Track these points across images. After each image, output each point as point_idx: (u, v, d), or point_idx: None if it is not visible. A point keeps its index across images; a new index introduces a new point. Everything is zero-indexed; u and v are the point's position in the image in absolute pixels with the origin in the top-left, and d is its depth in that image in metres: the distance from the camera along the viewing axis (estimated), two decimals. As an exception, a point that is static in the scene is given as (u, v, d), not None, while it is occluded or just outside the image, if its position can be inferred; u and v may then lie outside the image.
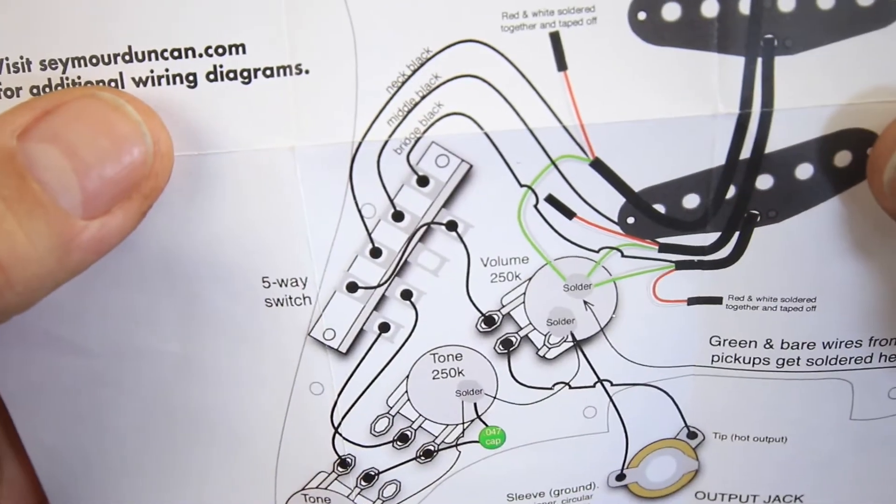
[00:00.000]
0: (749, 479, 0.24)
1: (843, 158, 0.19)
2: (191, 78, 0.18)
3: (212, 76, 0.18)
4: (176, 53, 0.18)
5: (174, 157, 0.18)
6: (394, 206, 0.20)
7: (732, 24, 0.18)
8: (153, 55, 0.18)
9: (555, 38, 0.18)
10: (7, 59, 0.18)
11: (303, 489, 0.23)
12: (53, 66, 0.18)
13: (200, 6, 0.18)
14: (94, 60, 0.18)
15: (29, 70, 0.18)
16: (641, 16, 0.18)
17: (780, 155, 0.19)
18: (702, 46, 0.18)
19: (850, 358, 0.21)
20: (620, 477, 0.24)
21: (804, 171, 0.19)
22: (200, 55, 0.18)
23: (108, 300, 0.20)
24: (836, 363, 0.21)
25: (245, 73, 0.18)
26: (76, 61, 0.18)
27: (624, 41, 0.18)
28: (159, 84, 0.18)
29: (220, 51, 0.18)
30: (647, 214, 0.20)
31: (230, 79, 0.18)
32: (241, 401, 0.22)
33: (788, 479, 0.24)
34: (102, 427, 0.22)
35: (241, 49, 0.18)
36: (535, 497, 0.24)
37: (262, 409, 0.22)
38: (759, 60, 0.18)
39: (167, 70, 0.18)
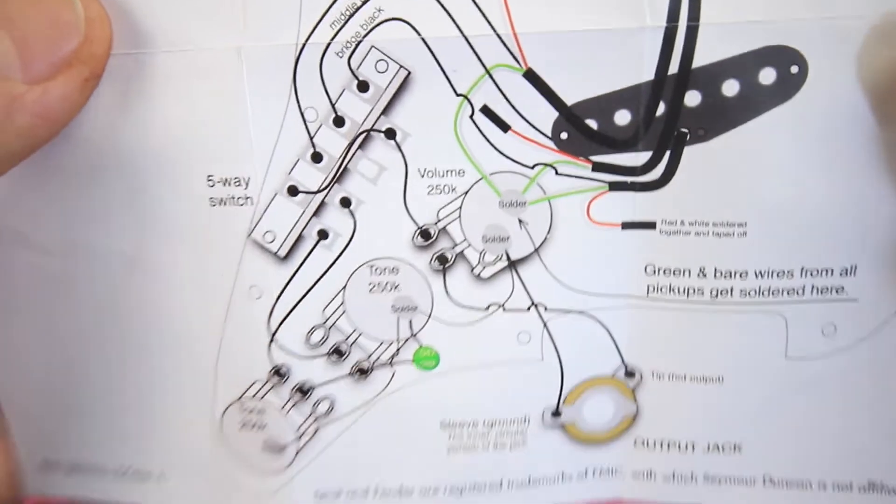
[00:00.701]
0: (687, 423, 0.24)
1: (767, 76, 0.19)
2: None
3: None
4: None
5: (111, 24, 0.19)
6: (335, 111, 0.20)
7: (663, -61, 0.19)
8: None
9: (491, -52, 0.19)
10: None
11: (239, 398, 0.23)
12: None
13: None
14: None
15: None
16: (574, -72, 0.19)
17: (706, 70, 0.19)
18: (633, -40, 0.19)
19: (783, 289, 0.21)
20: (556, 414, 0.24)
21: (730, 87, 0.20)
22: None
23: (65, 198, 0.21)
24: (768, 294, 0.22)
25: None
26: None
27: (558, -48, 0.19)
28: None
29: None
30: (580, 130, 0.20)
31: None
32: (185, 302, 0.22)
33: (727, 425, 0.24)
34: (55, 327, 0.23)
35: None
36: (468, 427, 0.24)
37: (204, 311, 0.22)
38: (688, -25, 0.19)
39: None
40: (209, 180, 0.21)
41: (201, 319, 0.22)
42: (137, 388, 0.23)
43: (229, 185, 0.21)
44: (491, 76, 0.20)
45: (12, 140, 0.17)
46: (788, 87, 0.19)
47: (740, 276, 0.21)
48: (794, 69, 0.19)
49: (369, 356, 0.23)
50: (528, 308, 0.22)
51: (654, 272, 0.22)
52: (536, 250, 0.22)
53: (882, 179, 0.20)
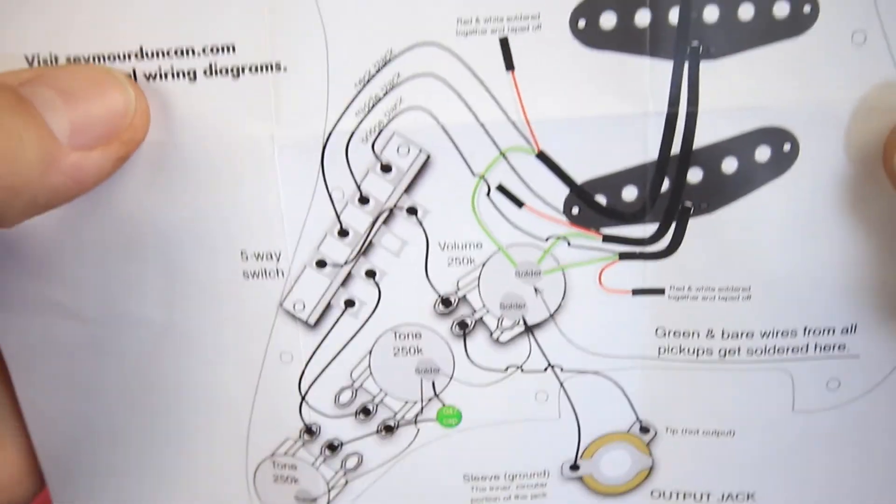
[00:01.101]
0: (702, 475, 0.25)
1: (762, 154, 0.21)
2: (191, 73, 0.21)
3: (208, 72, 0.21)
4: (179, 52, 0.21)
5: (150, 118, 0.21)
6: (360, 191, 0.22)
7: (662, 31, 0.20)
8: (160, 53, 0.21)
9: (503, 42, 0.20)
10: (38, 54, 0.21)
11: (272, 455, 0.25)
12: (77, 61, 0.21)
13: (199, 11, 0.21)
14: (111, 57, 0.21)
15: (56, 63, 0.21)
16: (581, 23, 0.20)
17: (706, 150, 0.21)
18: (635, 51, 0.20)
19: (788, 348, 0.23)
20: (574, 467, 0.25)
21: (729, 164, 0.21)
22: (199, 54, 0.21)
23: (103, 268, 0.23)
24: (774, 353, 0.23)
25: (235, 70, 0.21)
26: (96, 58, 0.21)
27: (565, 45, 0.20)
28: (165, 79, 0.21)
29: (215, 50, 0.21)
30: (590, 205, 0.22)
31: (223, 74, 0.21)
32: (218, 368, 0.24)
33: (739, 475, 0.25)
34: (91, 392, 0.24)
35: (231, 49, 0.21)
36: (490, 479, 0.25)
37: (237, 376, 0.24)
38: (686, 64, 0.20)
39: (172, 66, 0.21)
40: (242, 255, 0.22)
41: (234, 384, 0.24)
42: (171, 449, 0.25)
43: (262, 259, 0.23)
44: (505, 158, 0.21)
45: (41, 194, 0.19)
46: (782, 163, 0.21)
47: (747, 336, 0.23)
48: (787, 147, 0.21)
49: (395, 415, 0.24)
50: (545, 369, 0.24)
51: (665, 334, 0.23)
52: (552, 316, 0.23)
53: (874, 243, 0.21)
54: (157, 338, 0.23)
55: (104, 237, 0.22)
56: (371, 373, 0.24)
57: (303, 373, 0.24)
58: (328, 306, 0.23)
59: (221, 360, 0.24)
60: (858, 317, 0.22)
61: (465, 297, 0.23)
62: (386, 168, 0.22)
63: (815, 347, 0.23)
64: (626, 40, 0.20)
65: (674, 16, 0.20)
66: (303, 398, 0.24)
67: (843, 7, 0.19)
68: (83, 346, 0.24)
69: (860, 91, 0.20)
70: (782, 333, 0.22)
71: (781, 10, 0.20)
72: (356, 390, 0.24)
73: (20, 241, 0.22)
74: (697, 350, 0.23)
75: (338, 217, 0.22)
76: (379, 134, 0.21)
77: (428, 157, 0.22)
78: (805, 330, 0.22)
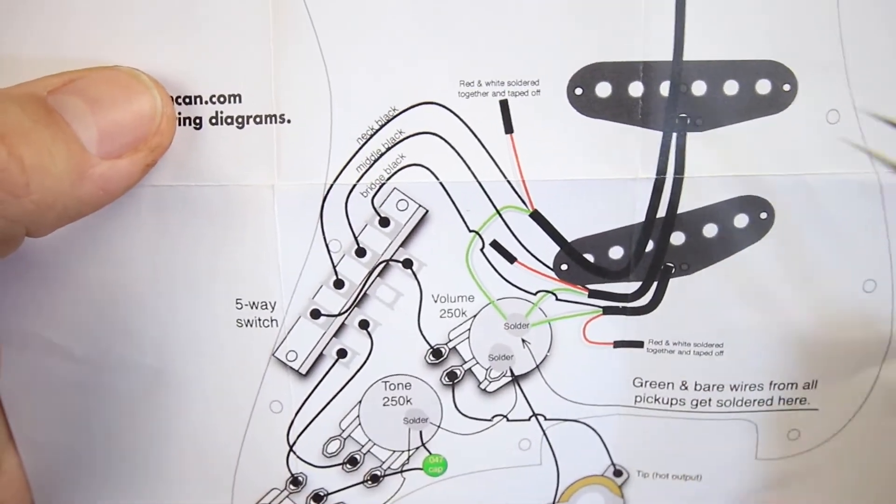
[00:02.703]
0: (669, 517, 0.26)
1: (741, 220, 0.22)
2: (197, 121, 0.21)
3: (213, 120, 0.21)
4: (187, 100, 0.21)
5: (176, 124, 0.21)
6: (357, 243, 0.22)
7: (653, 103, 0.21)
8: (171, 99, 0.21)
9: (503, 105, 0.21)
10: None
11: (256, 505, 0.24)
12: None
13: (208, 61, 0.21)
14: None
15: None
16: (578, 91, 0.21)
17: (690, 215, 0.22)
18: (627, 120, 0.22)
19: (754, 400, 0.24)
20: (552, 511, 0.26)
21: (710, 230, 0.22)
22: (206, 102, 0.21)
23: (96, 310, 0.22)
24: (742, 405, 0.24)
25: (240, 119, 0.21)
26: None
27: (562, 111, 0.21)
28: None
29: (222, 99, 0.21)
30: (579, 262, 0.23)
31: (228, 123, 0.21)
32: (207, 415, 0.23)
33: (704, 518, 0.26)
34: (81, 430, 0.24)
35: (238, 98, 0.21)
36: (472, 526, 0.26)
37: (225, 424, 0.23)
38: (674, 135, 0.22)
39: (179, 113, 0.21)
40: (237, 303, 0.22)
41: (222, 431, 0.24)
42: (158, 492, 0.24)
43: (256, 308, 0.23)
44: (501, 216, 0.22)
45: (72, 204, 0.19)
46: (759, 230, 0.22)
47: (717, 388, 0.24)
48: (764, 215, 0.22)
49: (382, 464, 0.24)
50: (529, 418, 0.24)
51: (642, 384, 0.24)
52: (538, 367, 0.24)
53: (836, 307, 0.23)
54: (148, 382, 0.23)
55: (99, 279, 0.22)
56: (360, 423, 0.24)
57: (292, 422, 0.24)
58: (320, 356, 0.23)
59: (211, 407, 0.23)
60: (819, 373, 0.24)
61: (455, 348, 0.24)
62: (384, 222, 0.22)
63: (779, 400, 0.24)
64: (619, 110, 0.21)
65: (664, 89, 0.21)
66: (290, 448, 0.24)
67: (819, 87, 0.21)
68: (76, 385, 0.23)
69: (833, 166, 0.22)
70: (750, 387, 0.24)
71: (763, 87, 0.21)
72: (344, 440, 0.24)
73: (15, 276, 0.22)
74: (671, 400, 0.24)
75: (334, 268, 0.23)
76: (379, 188, 0.22)
77: (426, 212, 0.22)
78: (770, 384, 0.24)
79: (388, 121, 0.21)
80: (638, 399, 0.24)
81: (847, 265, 0.23)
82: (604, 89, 0.21)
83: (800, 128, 0.21)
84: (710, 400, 0.24)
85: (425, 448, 0.24)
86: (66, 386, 0.23)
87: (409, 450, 0.24)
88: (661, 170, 0.22)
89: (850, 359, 0.23)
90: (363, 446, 0.24)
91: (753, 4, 0.21)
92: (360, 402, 0.24)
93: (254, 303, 0.22)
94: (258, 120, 0.21)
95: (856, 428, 0.24)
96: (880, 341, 0.23)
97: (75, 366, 0.23)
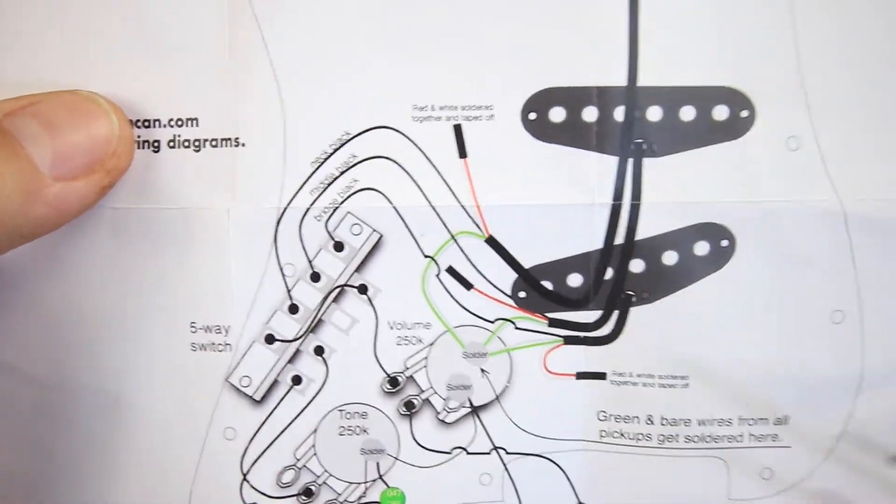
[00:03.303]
0: (640, 560, 0.25)
1: (702, 248, 0.22)
2: (156, 144, 0.21)
3: (171, 143, 0.21)
4: (146, 123, 0.21)
5: (134, 147, 0.21)
6: (312, 268, 0.22)
7: (608, 128, 0.21)
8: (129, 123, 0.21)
9: (457, 130, 0.21)
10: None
11: (208, 536, 0.24)
12: None
13: (167, 85, 0.21)
14: None
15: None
16: (532, 116, 0.21)
17: (648, 242, 0.22)
18: (582, 145, 0.21)
19: (724, 436, 0.23)
20: (516, 550, 0.25)
21: (670, 257, 0.22)
22: (164, 125, 0.21)
23: (58, 334, 0.23)
24: (710, 441, 0.23)
25: (196, 143, 0.21)
26: None
27: (517, 136, 0.21)
28: None
29: (180, 123, 0.21)
30: (537, 290, 0.22)
31: (185, 146, 0.21)
32: (162, 441, 0.23)
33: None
34: (43, 454, 0.23)
35: (195, 122, 0.21)
36: (432, 562, 0.25)
37: (179, 449, 0.23)
38: (630, 160, 0.21)
39: (139, 136, 0.21)
40: (192, 326, 0.22)
41: (177, 458, 0.23)
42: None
43: (210, 332, 0.22)
44: (456, 241, 0.22)
45: (23, 224, 0.19)
46: (720, 258, 0.22)
47: (684, 423, 0.23)
48: (725, 243, 0.22)
49: (338, 497, 0.24)
50: (490, 451, 0.24)
51: (606, 418, 0.24)
52: (497, 398, 0.23)
53: (806, 338, 0.22)
54: (108, 406, 0.23)
55: (57, 301, 0.22)
56: (315, 452, 0.23)
57: (245, 450, 0.23)
58: (275, 382, 0.23)
59: (166, 434, 0.23)
60: (789, 409, 0.23)
61: (412, 376, 0.23)
62: (338, 246, 0.22)
63: (749, 437, 0.23)
64: (574, 135, 0.21)
65: (619, 114, 0.21)
66: (244, 477, 0.23)
67: (778, 114, 0.21)
68: (36, 409, 0.23)
69: (795, 193, 0.21)
70: (718, 422, 0.23)
71: (720, 113, 0.21)
72: (299, 470, 0.24)
73: None
74: (637, 435, 0.24)
75: (289, 293, 0.22)
76: (333, 212, 0.22)
77: (380, 237, 0.22)
78: (739, 419, 0.23)
79: (342, 144, 0.21)
80: (603, 434, 0.24)
81: (813, 295, 0.22)
82: (558, 114, 0.21)
83: (759, 154, 0.21)
84: (677, 435, 0.23)
85: (382, 480, 0.24)
86: (28, 410, 0.23)
87: (365, 482, 0.24)
88: (618, 195, 0.21)
89: (821, 394, 0.23)
90: (318, 477, 0.24)
91: (709, 30, 0.21)
92: (315, 430, 0.23)
93: (208, 326, 0.22)
94: (214, 143, 0.21)
95: (831, 466, 0.23)
96: (851, 375, 0.22)
97: (38, 390, 0.23)
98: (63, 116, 0.20)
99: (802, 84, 0.21)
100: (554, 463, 0.24)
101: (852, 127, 0.21)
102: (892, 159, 0.21)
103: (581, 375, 0.23)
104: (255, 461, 0.23)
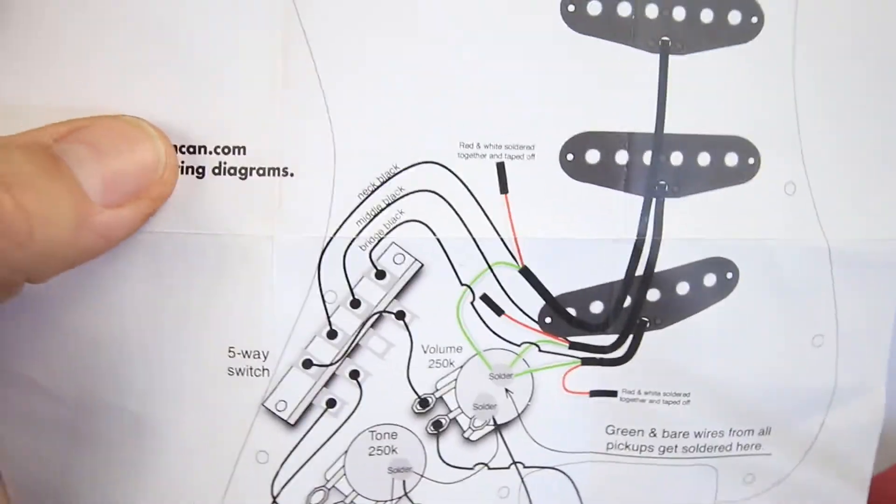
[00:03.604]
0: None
1: (710, 279, 0.24)
2: (200, 170, 0.21)
3: (216, 170, 0.21)
4: (191, 149, 0.21)
5: (179, 173, 0.21)
6: (353, 295, 0.23)
7: (637, 170, 0.23)
8: (174, 148, 0.21)
9: (500, 167, 0.23)
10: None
11: (236, 558, 0.24)
12: None
13: (214, 112, 0.21)
14: None
15: None
16: (569, 157, 0.23)
17: (665, 274, 0.24)
18: (612, 185, 0.23)
19: (715, 446, 0.26)
20: (524, 557, 0.27)
21: (682, 288, 0.24)
22: (210, 152, 0.21)
23: (88, 355, 0.22)
24: (704, 450, 0.26)
25: (243, 171, 0.21)
26: None
27: (554, 175, 0.23)
28: None
29: (226, 150, 0.21)
30: (562, 316, 0.24)
31: (230, 174, 0.21)
32: (190, 464, 0.23)
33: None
34: (66, 473, 0.23)
35: (242, 150, 0.21)
36: (451, 574, 0.26)
37: (209, 473, 0.23)
38: (654, 200, 0.23)
39: (183, 162, 0.21)
40: (230, 351, 0.22)
41: (205, 481, 0.23)
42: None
43: (249, 357, 0.23)
44: (492, 271, 0.23)
45: (72, 253, 0.19)
46: (725, 288, 0.24)
47: (683, 435, 0.26)
48: (730, 275, 0.24)
49: (364, 514, 0.25)
50: (509, 466, 0.25)
51: (614, 432, 0.26)
52: (519, 416, 0.25)
53: (789, 360, 0.25)
54: (131, 428, 0.22)
55: (90, 323, 0.22)
56: (345, 473, 0.24)
57: (277, 473, 0.23)
58: (310, 406, 0.23)
59: (194, 457, 0.23)
60: (773, 420, 0.26)
61: (441, 397, 0.24)
62: (380, 274, 0.23)
63: (737, 446, 0.26)
64: (605, 176, 0.23)
65: (647, 158, 0.23)
66: (274, 499, 0.24)
67: (779, 162, 0.24)
68: (57, 426, 0.22)
69: (790, 233, 0.24)
70: (712, 434, 0.26)
71: (731, 160, 0.24)
72: (328, 491, 0.24)
73: (7, 317, 0.21)
74: (641, 447, 0.26)
75: (328, 319, 0.23)
76: (378, 243, 0.23)
77: (421, 266, 0.23)
78: (730, 431, 0.26)
79: (390, 178, 0.22)
80: (610, 446, 0.26)
81: (800, 322, 0.25)
82: (593, 156, 0.23)
83: (762, 197, 0.24)
84: (676, 446, 0.26)
85: (408, 497, 0.25)
86: (49, 427, 0.22)
87: (392, 499, 0.25)
88: (642, 232, 0.23)
89: (800, 407, 0.26)
90: (347, 496, 0.24)
91: (725, 85, 0.23)
92: (346, 451, 0.24)
93: (246, 352, 0.22)
94: (261, 172, 0.22)
95: (802, 472, 0.26)
96: (826, 391, 0.26)
97: (58, 408, 0.22)
98: (111, 142, 0.19)
99: (799, 136, 0.24)
100: (565, 474, 0.26)
101: (840, 176, 0.24)
102: (872, 205, 0.24)
103: (594, 393, 0.25)
104: (286, 484, 0.24)
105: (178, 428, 0.23)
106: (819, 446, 0.26)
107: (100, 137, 0.19)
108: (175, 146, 0.21)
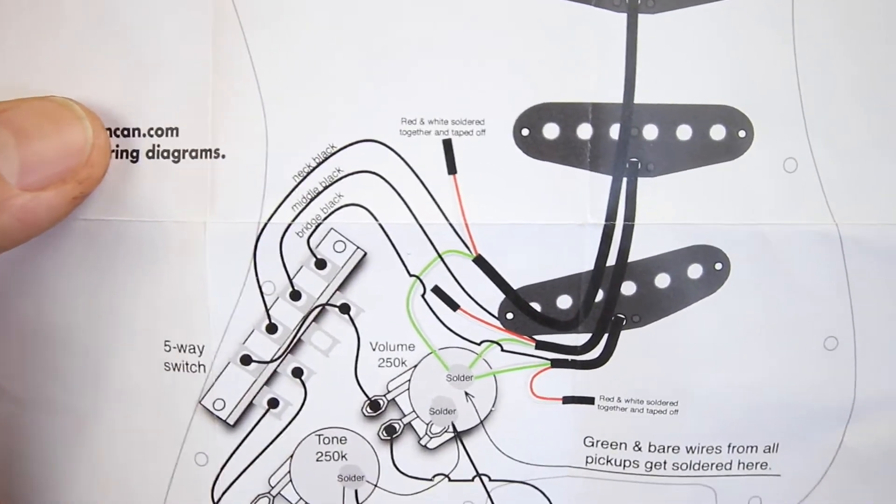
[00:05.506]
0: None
1: (695, 271, 0.21)
2: (134, 153, 0.20)
3: (150, 153, 0.20)
4: (125, 132, 0.20)
5: (111, 155, 0.20)
6: (292, 286, 0.21)
7: (603, 146, 0.21)
8: (108, 132, 0.20)
9: (447, 145, 0.21)
10: None
11: (176, 566, 0.23)
12: None
13: (148, 93, 0.20)
14: None
15: None
16: (525, 132, 0.21)
17: (641, 264, 0.21)
18: (576, 163, 0.21)
19: (712, 464, 0.23)
20: (498, 580, 0.24)
21: (663, 280, 0.21)
22: (144, 135, 0.20)
23: (29, 348, 0.22)
24: (699, 468, 0.23)
25: (176, 153, 0.20)
26: None
27: (508, 153, 0.21)
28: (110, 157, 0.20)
29: (160, 132, 0.20)
30: (525, 311, 0.22)
31: (164, 157, 0.20)
32: (133, 463, 0.22)
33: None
34: (15, 473, 0.22)
35: (175, 132, 0.20)
36: None
37: (150, 474, 0.22)
38: (624, 180, 0.21)
39: (117, 146, 0.20)
40: (166, 345, 0.21)
41: (147, 483, 0.22)
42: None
43: (184, 351, 0.21)
44: (443, 260, 0.21)
45: None
46: (714, 281, 0.21)
47: (673, 450, 0.23)
48: (719, 266, 0.21)
49: (313, 525, 0.23)
50: (473, 478, 0.23)
51: (593, 444, 0.23)
52: (482, 422, 0.22)
53: (797, 366, 0.22)
54: (79, 425, 0.22)
55: (28, 314, 0.21)
56: (291, 479, 0.22)
57: (217, 476, 0.22)
58: (250, 405, 0.22)
59: (136, 457, 0.22)
60: (780, 436, 0.22)
61: (394, 400, 0.22)
62: (320, 264, 0.21)
63: (739, 464, 0.23)
64: (567, 152, 0.21)
65: (614, 132, 0.21)
66: (214, 504, 0.22)
67: (776, 134, 0.20)
68: (8, 424, 0.22)
69: (791, 216, 0.21)
70: (707, 449, 0.23)
71: (718, 133, 0.21)
72: (274, 498, 0.22)
73: None
74: (624, 462, 0.23)
75: (267, 312, 0.21)
76: (315, 228, 0.21)
77: (364, 254, 0.21)
78: (729, 447, 0.23)
79: (326, 158, 0.21)
80: (589, 460, 0.23)
81: (807, 321, 0.21)
82: (551, 130, 0.21)
83: (755, 176, 0.21)
84: (665, 462, 0.23)
85: (360, 508, 0.23)
86: (11, 429, 0.22)
87: (343, 510, 0.23)
88: (611, 216, 0.21)
89: (812, 421, 0.22)
90: (294, 505, 0.23)
91: (709, 48, 0.20)
92: (291, 456, 0.22)
93: (182, 346, 0.21)
94: (193, 154, 0.20)
95: (820, 496, 0.23)
96: (843, 403, 0.22)
97: (10, 405, 0.22)
98: (34, 123, 0.19)
99: (801, 105, 0.21)
100: (538, 490, 0.23)
101: (852, 150, 0.21)
102: (891, 184, 0.21)
103: (567, 400, 0.22)
104: (228, 489, 0.22)
105: (118, 425, 0.22)
106: (838, 467, 0.22)
107: (23, 119, 0.19)
108: (109, 129, 0.20)
